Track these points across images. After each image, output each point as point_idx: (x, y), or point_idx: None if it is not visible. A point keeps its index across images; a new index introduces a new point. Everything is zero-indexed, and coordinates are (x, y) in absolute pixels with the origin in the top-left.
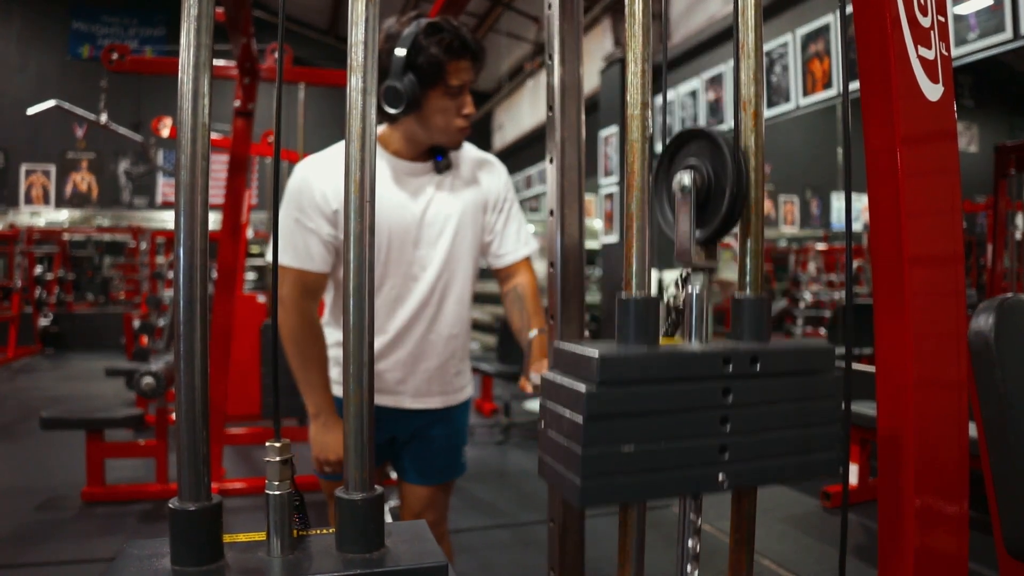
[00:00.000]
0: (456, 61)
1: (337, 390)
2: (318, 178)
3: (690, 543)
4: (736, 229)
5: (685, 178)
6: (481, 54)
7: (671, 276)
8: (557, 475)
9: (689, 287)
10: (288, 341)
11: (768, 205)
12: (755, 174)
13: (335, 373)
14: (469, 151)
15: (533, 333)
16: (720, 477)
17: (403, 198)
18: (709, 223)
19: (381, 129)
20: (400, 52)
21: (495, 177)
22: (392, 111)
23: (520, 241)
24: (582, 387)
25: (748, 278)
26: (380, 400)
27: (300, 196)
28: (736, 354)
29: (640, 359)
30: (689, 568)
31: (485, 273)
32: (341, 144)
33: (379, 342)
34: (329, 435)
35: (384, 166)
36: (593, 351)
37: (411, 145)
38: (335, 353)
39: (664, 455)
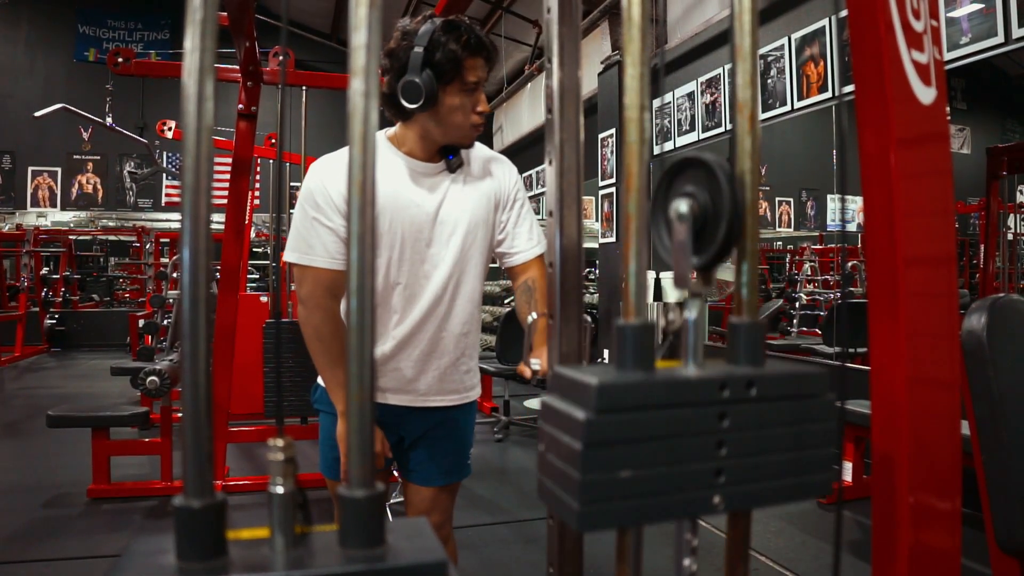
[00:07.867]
0: (473, 58)
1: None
2: (334, 179)
3: (686, 562)
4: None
5: (682, 206)
6: (495, 52)
7: (668, 276)
8: (556, 499)
9: (686, 313)
10: (313, 340)
11: (764, 206)
12: (750, 201)
13: None
14: (480, 150)
15: (532, 316)
16: (716, 500)
17: (417, 197)
18: (706, 250)
19: (394, 129)
20: (418, 49)
21: (505, 175)
22: (411, 107)
23: (532, 240)
24: (581, 414)
25: (743, 303)
26: (391, 399)
27: (317, 196)
28: (732, 379)
29: (637, 386)
30: (687, 563)
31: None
32: None
33: (393, 340)
34: None
35: (400, 164)
36: (592, 378)
37: (425, 144)
38: None
39: (661, 479)
